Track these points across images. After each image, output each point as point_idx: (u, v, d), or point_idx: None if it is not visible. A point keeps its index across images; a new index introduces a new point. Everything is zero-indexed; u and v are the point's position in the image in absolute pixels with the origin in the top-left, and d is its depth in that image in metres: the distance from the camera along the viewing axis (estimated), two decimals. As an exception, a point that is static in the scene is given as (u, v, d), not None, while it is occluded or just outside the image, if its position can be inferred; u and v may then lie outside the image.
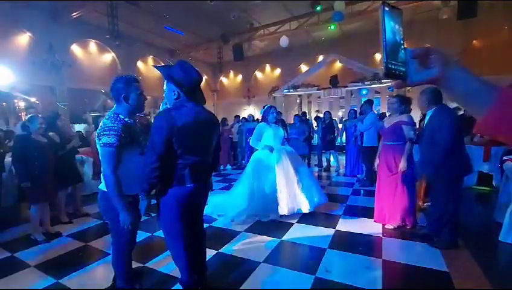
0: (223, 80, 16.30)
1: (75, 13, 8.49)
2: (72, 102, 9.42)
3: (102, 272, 2.37)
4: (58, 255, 2.77)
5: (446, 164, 2.52)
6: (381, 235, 3.01)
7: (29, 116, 3.39)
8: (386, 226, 3.20)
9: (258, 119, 8.80)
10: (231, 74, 15.97)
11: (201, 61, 14.54)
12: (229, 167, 7.76)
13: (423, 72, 0.57)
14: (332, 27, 9.85)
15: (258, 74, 15.24)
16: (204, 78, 15.16)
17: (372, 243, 2.87)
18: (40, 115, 3.32)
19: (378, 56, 11.81)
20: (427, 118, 2.74)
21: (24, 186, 2.93)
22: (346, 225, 3.33)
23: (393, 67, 0.54)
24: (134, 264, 2.20)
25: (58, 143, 3.49)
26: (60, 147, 3.49)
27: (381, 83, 9.26)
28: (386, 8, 0.55)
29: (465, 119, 4.00)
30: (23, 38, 8.48)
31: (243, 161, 7.94)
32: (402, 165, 3.00)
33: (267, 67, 14.88)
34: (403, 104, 3.10)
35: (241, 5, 9.05)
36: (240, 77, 15.76)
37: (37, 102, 8.78)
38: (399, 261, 2.49)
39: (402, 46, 0.55)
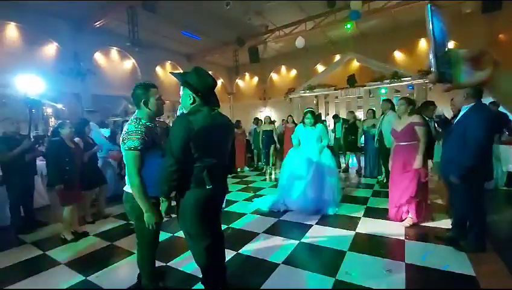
0: (239, 82, 16.44)
1: (98, 22, 8.91)
2: (96, 108, 9.86)
3: (127, 271, 2.46)
4: (86, 254, 2.91)
5: (474, 165, 2.40)
6: (403, 238, 2.93)
7: (59, 122, 3.59)
8: (404, 224, 3.17)
9: (274, 120, 8.81)
10: (247, 76, 16.08)
11: (217, 64, 14.75)
12: (246, 169, 7.81)
13: (474, 74, 0.56)
14: (349, 26, 9.68)
15: (274, 76, 15.24)
16: (221, 81, 15.36)
17: (394, 246, 2.80)
18: (68, 121, 3.51)
19: (397, 54, 11.48)
20: (460, 113, 2.59)
21: (58, 188, 3.10)
22: (366, 227, 3.26)
23: (444, 71, 0.53)
24: (157, 263, 2.26)
25: (83, 149, 3.67)
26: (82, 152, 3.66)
27: (400, 82, 8.97)
28: (433, 8, 0.54)
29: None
30: (51, 48, 9.00)
31: (260, 163, 7.96)
32: (418, 163, 3.05)
33: (283, 69, 14.86)
34: (410, 105, 3.22)
35: (256, 8, 9.12)
36: (255, 79, 15.83)
37: (64, 108, 9.28)
38: (423, 264, 2.41)
39: (448, 48, 0.55)
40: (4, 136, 3.56)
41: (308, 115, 4.04)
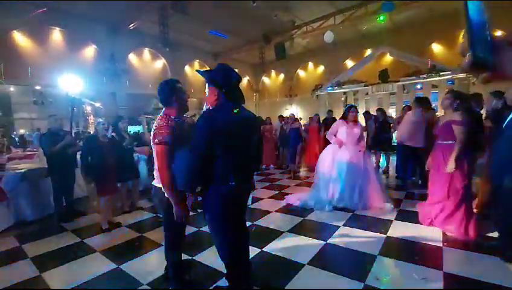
0: (265, 79, 16.41)
1: (132, 25, 9.38)
2: (129, 105, 10.42)
3: (155, 262, 2.55)
4: (119, 244, 3.07)
5: None
6: (441, 245, 2.71)
7: (97, 121, 3.86)
8: (447, 233, 2.90)
9: (300, 118, 8.64)
10: (273, 73, 16.00)
11: (243, 62, 14.85)
12: (272, 166, 7.77)
13: None
14: (381, 18, 9.19)
15: (301, 72, 15.00)
16: (246, 78, 15.46)
17: (430, 253, 2.59)
18: (102, 119, 3.76)
19: (435, 46, 10.71)
20: None
21: (90, 181, 3.32)
22: (399, 231, 3.06)
23: (482, 56, 0.46)
24: (183, 257, 2.31)
25: (117, 142, 3.89)
26: (118, 145, 3.89)
27: (439, 76, 8.34)
28: None
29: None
30: (90, 50, 9.67)
31: (286, 162, 7.84)
32: (449, 166, 2.79)
33: (310, 65, 14.56)
34: (457, 100, 2.91)
35: (283, 3, 8.99)
36: (281, 76, 15.70)
37: (101, 106, 9.92)
38: (464, 275, 2.20)
39: (488, 33, 0.47)
40: (49, 132, 3.87)
41: (353, 109, 4.03)
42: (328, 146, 4.17)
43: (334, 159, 3.95)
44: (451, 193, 2.87)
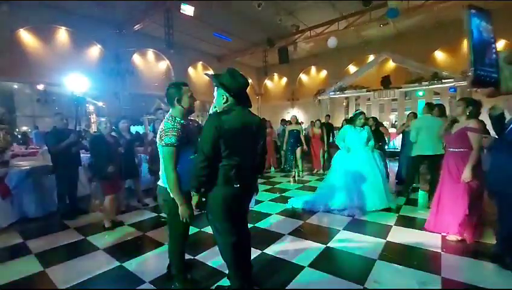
0: (268, 83, 16.48)
1: (137, 26, 9.47)
2: (132, 106, 10.48)
3: (158, 260, 2.58)
4: (122, 242, 3.11)
5: None
6: (440, 251, 2.73)
7: (100, 119, 3.90)
8: (447, 238, 2.93)
9: (302, 122, 8.67)
10: (275, 77, 16.07)
11: (246, 65, 14.93)
12: (272, 169, 7.80)
13: None
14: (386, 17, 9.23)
15: (303, 77, 15.07)
16: (249, 81, 15.53)
17: (429, 258, 2.62)
18: (104, 118, 3.80)
19: (438, 54, 10.77)
20: None
21: (95, 180, 3.36)
22: (398, 236, 3.09)
23: (483, 73, 0.49)
24: (186, 256, 2.34)
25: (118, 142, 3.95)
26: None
27: (441, 83, 8.39)
28: (473, 11, 0.51)
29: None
30: (95, 50, 9.76)
31: (286, 165, 7.86)
32: (466, 175, 2.75)
33: (313, 70, 14.63)
34: (469, 106, 2.83)
35: (288, 8, 9.08)
36: (284, 80, 15.78)
37: (104, 106, 9.98)
38: (463, 280, 2.22)
39: (493, 50, 0.51)
40: (54, 130, 3.93)
41: (361, 116, 4.15)
42: (339, 151, 4.30)
43: (347, 166, 4.04)
44: (467, 200, 2.79)
